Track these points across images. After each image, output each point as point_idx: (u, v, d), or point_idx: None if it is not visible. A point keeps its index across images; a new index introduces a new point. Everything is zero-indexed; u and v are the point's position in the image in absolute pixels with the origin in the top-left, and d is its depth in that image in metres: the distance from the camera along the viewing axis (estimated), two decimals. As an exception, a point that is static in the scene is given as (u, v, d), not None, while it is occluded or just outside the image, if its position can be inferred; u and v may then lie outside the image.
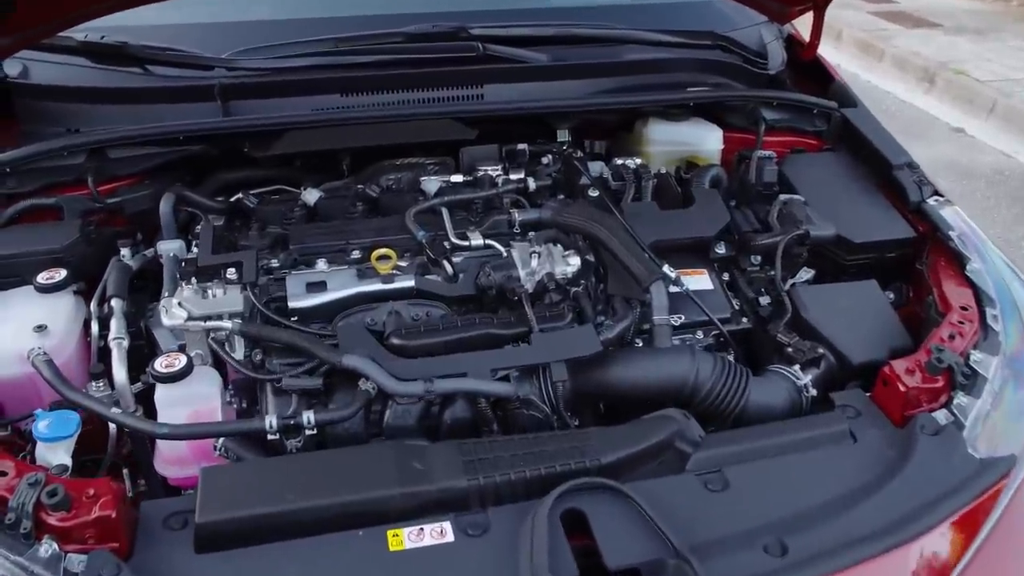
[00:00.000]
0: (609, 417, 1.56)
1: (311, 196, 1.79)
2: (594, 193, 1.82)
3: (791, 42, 2.34)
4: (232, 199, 1.78)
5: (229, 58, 1.91)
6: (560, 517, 1.19)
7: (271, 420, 1.33)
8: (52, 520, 1.13)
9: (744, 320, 1.69)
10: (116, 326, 1.48)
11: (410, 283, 1.55)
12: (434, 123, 1.86)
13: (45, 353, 1.42)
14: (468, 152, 1.93)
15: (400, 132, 1.85)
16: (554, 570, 1.10)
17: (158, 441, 1.40)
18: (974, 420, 1.38)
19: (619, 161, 1.98)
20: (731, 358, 1.61)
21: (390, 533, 1.18)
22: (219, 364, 1.49)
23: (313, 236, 1.64)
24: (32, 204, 1.69)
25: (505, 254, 1.61)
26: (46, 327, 1.46)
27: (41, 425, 1.27)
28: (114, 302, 1.51)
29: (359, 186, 1.83)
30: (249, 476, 1.27)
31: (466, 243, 1.63)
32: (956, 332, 1.52)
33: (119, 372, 1.43)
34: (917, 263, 1.80)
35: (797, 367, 1.53)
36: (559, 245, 1.65)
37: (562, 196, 1.91)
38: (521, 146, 1.96)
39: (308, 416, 1.34)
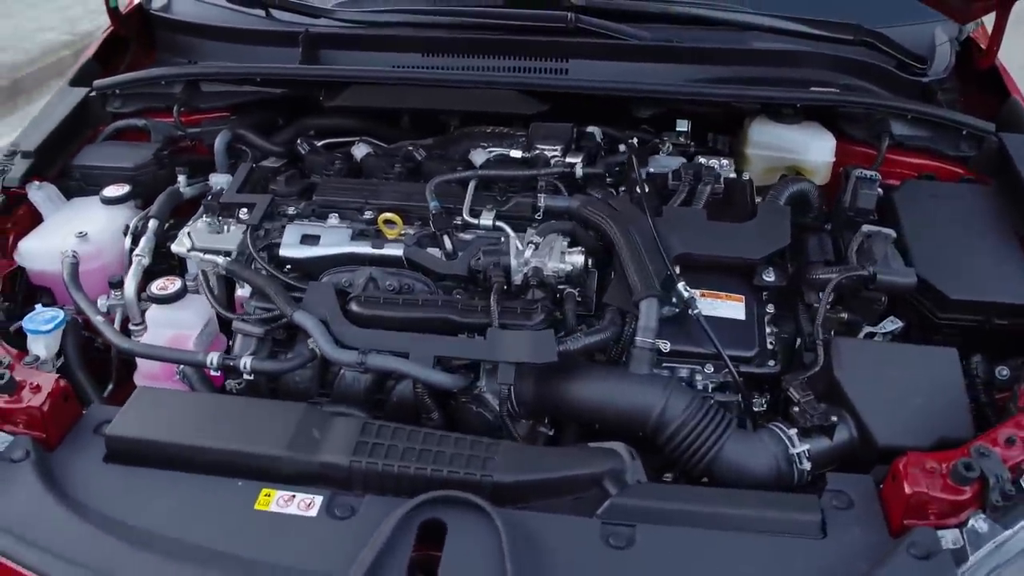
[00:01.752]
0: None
1: (360, 151, 1.80)
2: (646, 189, 1.62)
3: (970, 47, 1.91)
4: (289, 144, 1.83)
5: (333, 8, 1.97)
6: (421, 524, 1.11)
7: (213, 357, 1.37)
8: (-3, 401, 1.26)
9: (771, 363, 1.43)
10: (143, 244, 1.60)
11: (399, 252, 1.51)
12: (505, 94, 1.77)
13: (75, 255, 1.58)
14: (536, 128, 1.82)
15: (467, 99, 1.79)
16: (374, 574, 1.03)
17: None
18: (986, 556, 1.06)
19: (703, 160, 1.76)
20: (726, 401, 1.39)
21: (264, 492, 1.19)
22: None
23: (337, 190, 1.64)
24: (126, 124, 1.88)
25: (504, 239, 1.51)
26: (86, 234, 1.62)
27: (27, 318, 1.41)
28: (151, 222, 1.63)
29: (409, 146, 1.80)
30: (173, 405, 1.33)
31: (475, 221, 1.54)
32: (1021, 437, 1.17)
33: (129, 285, 1.55)
34: None
35: (795, 431, 1.27)
36: (566, 240, 1.51)
37: (623, 189, 1.74)
38: (591, 129, 1.81)
39: (245, 361, 1.37)
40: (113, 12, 1.98)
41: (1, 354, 1.35)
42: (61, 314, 1.43)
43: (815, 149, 1.76)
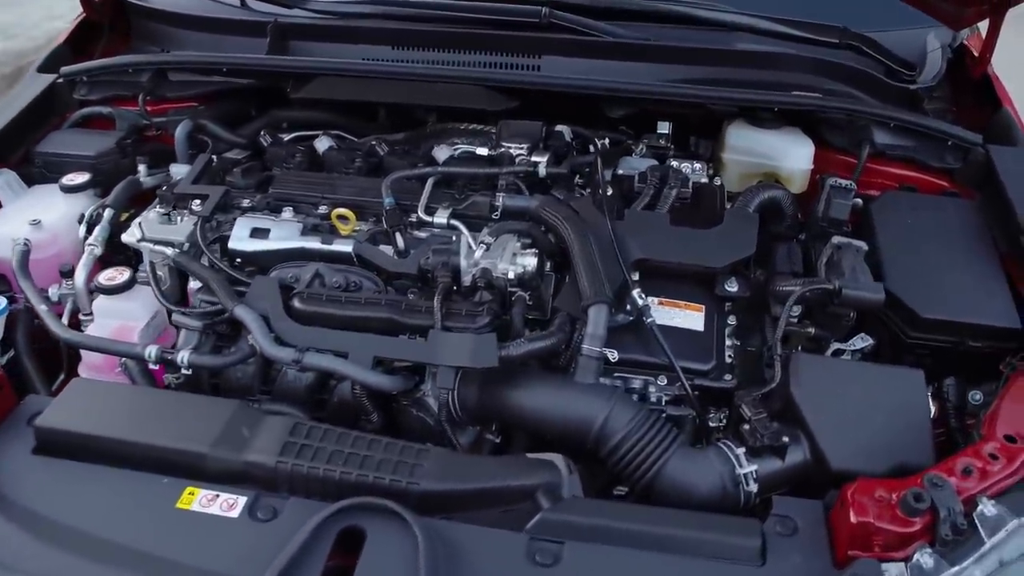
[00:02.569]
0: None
1: (322, 144, 1.76)
2: (608, 192, 1.57)
3: (963, 54, 1.84)
4: (254, 136, 1.79)
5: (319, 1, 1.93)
6: (340, 531, 1.06)
7: (151, 350, 1.34)
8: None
9: (728, 377, 1.37)
10: (96, 233, 1.57)
11: (349, 248, 1.46)
12: (474, 89, 1.72)
13: (27, 243, 1.55)
14: (504, 125, 1.76)
15: (434, 94, 1.74)
16: None
17: (82, 346, 1.47)
18: (932, 595, 1.00)
19: (675, 163, 1.70)
20: (679, 416, 1.33)
21: (188, 490, 1.16)
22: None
23: (294, 184, 1.60)
24: (92, 111, 1.85)
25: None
26: (40, 222, 1.59)
27: (-31, 305, 1.39)
28: (106, 211, 1.60)
29: (372, 141, 1.75)
30: (107, 398, 1.29)
31: (429, 219, 1.50)
32: (978, 467, 1.10)
33: (79, 274, 1.52)
34: (1002, 364, 1.34)
35: (743, 451, 1.21)
36: (520, 241, 1.46)
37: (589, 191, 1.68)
38: (561, 128, 1.76)
39: (183, 355, 1.33)
40: (86, -2, 1.96)
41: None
42: (4, 303, 1.40)
43: (792, 156, 1.70)
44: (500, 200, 1.52)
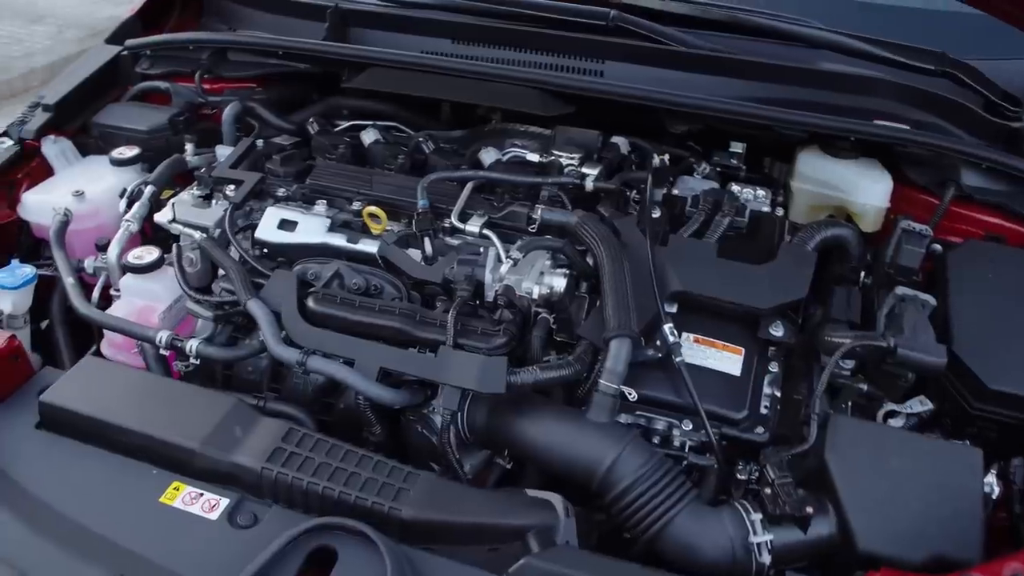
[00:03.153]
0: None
1: (368, 137, 1.71)
2: (655, 213, 1.46)
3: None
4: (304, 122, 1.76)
5: (373, -15, 1.89)
6: (313, 549, 1.02)
7: (162, 335, 1.32)
8: (-57, 353, 1.25)
9: (760, 430, 1.25)
10: (134, 209, 1.56)
11: (373, 249, 1.41)
12: (528, 91, 1.64)
13: (67, 213, 1.57)
14: (561, 131, 1.68)
15: (487, 93, 1.66)
16: None
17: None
18: None
19: (736, 188, 1.58)
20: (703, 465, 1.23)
21: (173, 485, 1.14)
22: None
23: (332, 176, 1.56)
24: (150, 86, 1.86)
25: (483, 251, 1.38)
26: (83, 193, 1.61)
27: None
28: (147, 188, 1.60)
29: (420, 138, 1.69)
30: (113, 380, 1.28)
31: (461, 227, 1.43)
32: None
33: (112, 250, 1.52)
34: None
35: (759, 517, 1.10)
36: (551, 259, 1.37)
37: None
38: (617, 139, 1.65)
39: (192, 344, 1.31)
40: (159, -30, 1.97)
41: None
42: (32, 272, 1.41)
43: (866, 190, 1.54)
44: (539, 212, 1.44)
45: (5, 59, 5.33)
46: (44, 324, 1.57)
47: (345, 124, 1.81)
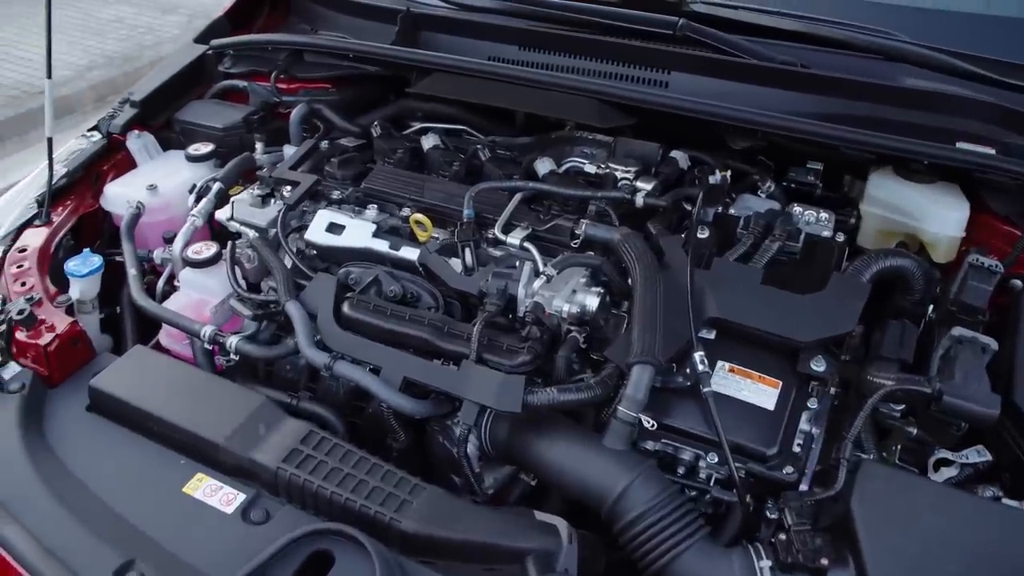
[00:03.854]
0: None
1: (427, 142, 1.72)
2: (702, 234, 1.41)
3: None
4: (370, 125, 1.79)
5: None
6: (311, 553, 1.04)
7: (206, 330, 1.38)
8: (18, 334, 1.36)
9: (789, 470, 1.19)
10: (201, 205, 1.64)
11: (414, 256, 1.42)
12: (588, 101, 1.61)
13: (139, 206, 1.66)
14: (621, 143, 1.64)
15: (542, 102, 1.64)
16: None
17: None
18: None
19: (797, 209, 1.50)
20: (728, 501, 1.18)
21: (198, 476, 1.19)
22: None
23: (386, 180, 1.58)
24: (230, 84, 1.94)
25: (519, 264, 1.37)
26: (156, 187, 1.70)
27: (71, 259, 1.50)
28: (215, 185, 1.67)
29: (477, 145, 1.69)
30: (157, 370, 1.35)
31: (503, 238, 1.42)
32: None
33: (177, 243, 1.60)
34: None
35: (769, 564, 1.04)
36: (586, 277, 1.34)
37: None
38: (676, 154, 1.60)
39: (232, 341, 1.36)
40: (247, -27, 2.05)
41: (37, 290, 1.45)
42: (99, 262, 1.50)
43: (939, 218, 1.43)
44: (582, 227, 1.41)
45: (137, 47, 5.71)
46: (118, 309, 1.67)
47: (415, 127, 1.83)
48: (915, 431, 1.24)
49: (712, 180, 1.56)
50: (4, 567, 1.06)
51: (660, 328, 1.20)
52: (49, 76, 1.54)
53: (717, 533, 1.17)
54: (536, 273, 1.34)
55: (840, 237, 1.45)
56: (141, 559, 1.05)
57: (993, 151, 1.43)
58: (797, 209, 1.50)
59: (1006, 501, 1.16)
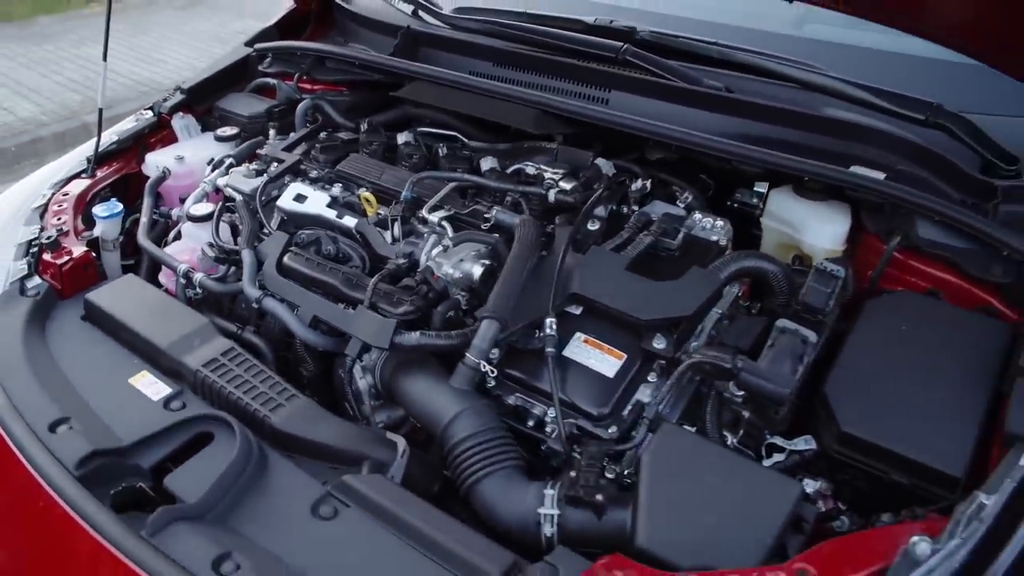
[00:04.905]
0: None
1: (401, 138, 1.99)
2: (593, 226, 1.59)
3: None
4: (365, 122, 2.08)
5: (451, 15, 2.18)
6: (199, 432, 1.32)
7: (181, 267, 1.70)
8: (45, 255, 1.72)
9: (613, 429, 1.35)
10: (213, 175, 1.98)
11: (352, 225, 1.69)
12: (529, 111, 1.83)
13: (166, 171, 2.02)
14: (561, 150, 1.85)
15: (492, 109, 1.87)
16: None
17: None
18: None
19: (698, 216, 1.66)
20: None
21: (142, 373, 1.48)
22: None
23: (355, 166, 1.86)
24: (263, 82, 2.30)
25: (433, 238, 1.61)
26: (183, 158, 2.06)
27: (97, 204, 1.86)
28: (228, 160, 2.01)
29: (439, 144, 1.95)
30: (139, 293, 1.67)
31: (427, 217, 1.66)
32: None
33: (188, 202, 1.94)
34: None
35: (553, 492, 1.22)
36: (476, 251, 1.56)
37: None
38: (601, 162, 1.79)
39: (198, 276, 1.67)
40: (296, -8, 2.42)
41: (67, 225, 1.81)
42: (119, 208, 1.86)
43: (816, 232, 1.55)
44: (494, 212, 1.64)
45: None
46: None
47: (423, 130, 2.09)
48: (747, 415, 1.37)
49: (634, 187, 1.75)
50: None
51: (515, 294, 1.40)
52: (104, 59, 1.92)
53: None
54: (434, 244, 1.57)
55: (723, 241, 1.59)
56: (75, 418, 1.35)
57: (883, 175, 1.54)
58: (697, 216, 1.66)
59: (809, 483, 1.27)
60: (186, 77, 2.30)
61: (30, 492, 1.25)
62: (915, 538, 0.99)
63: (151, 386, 1.45)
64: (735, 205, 1.76)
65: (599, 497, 1.19)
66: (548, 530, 1.20)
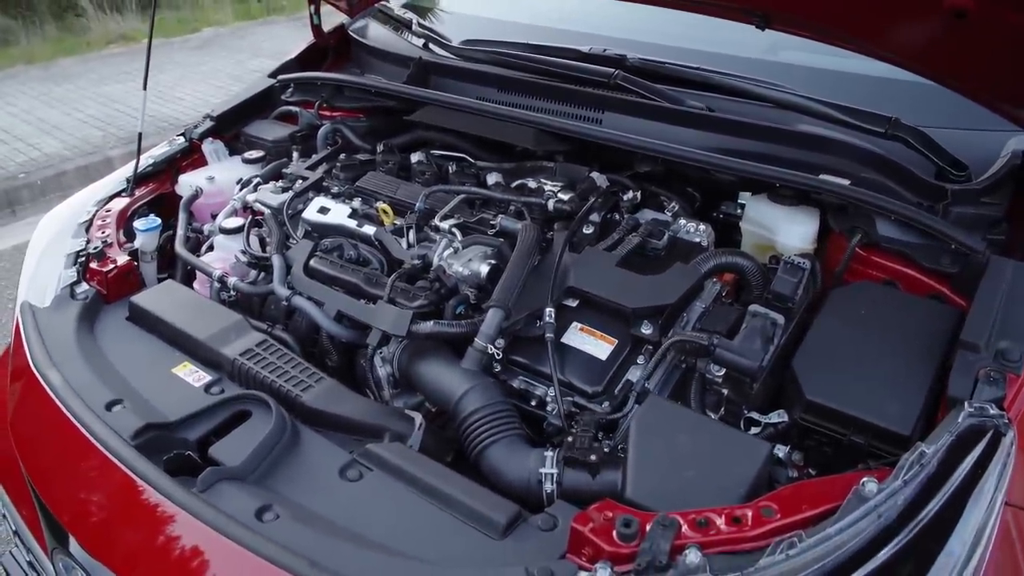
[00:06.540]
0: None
1: (415, 158, 2.19)
2: (587, 230, 1.78)
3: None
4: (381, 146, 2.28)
5: (459, 47, 2.39)
6: (238, 410, 1.48)
7: (216, 272, 1.88)
8: (92, 264, 1.91)
9: (605, 405, 1.51)
10: (241, 193, 2.18)
11: (371, 232, 1.87)
12: (528, 130, 2.02)
13: (199, 190, 2.22)
14: (560, 167, 2.04)
15: (494, 128, 2.07)
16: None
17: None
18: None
19: (682, 221, 1.84)
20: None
21: (183, 363, 1.65)
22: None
23: (373, 182, 2.06)
24: (286, 109, 2.50)
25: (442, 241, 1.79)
26: (214, 178, 2.25)
27: (138, 219, 2.05)
28: (255, 179, 2.21)
29: (450, 164, 2.14)
30: (178, 297, 1.85)
31: (439, 225, 1.84)
32: (715, 523, 1.16)
33: (219, 217, 2.13)
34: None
35: (552, 454, 1.38)
36: (483, 252, 1.73)
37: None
38: (595, 175, 1.98)
39: (232, 280, 1.85)
40: (316, 28, 2.63)
41: (111, 238, 2.00)
42: (157, 223, 2.05)
43: (788, 232, 1.73)
44: (499, 220, 1.82)
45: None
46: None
47: (439, 152, 2.28)
48: (726, 392, 1.53)
49: (626, 197, 1.93)
50: (41, 392, 1.56)
51: (518, 287, 1.58)
52: (144, 88, 2.13)
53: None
54: (447, 247, 1.75)
55: (705, 243, 1.77)
56: (127, 400, 1.52)
57: (848, 182, 1.72)
58: (682, 221, 1.84)
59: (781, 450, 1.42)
60: (202, 114, 2.49)
61: (90, 458, 1.42)
62: (864, 479, 1.15)
63: (192, 374, 1.63)
64: (720, 216, 1.94)
65: (592, 457, 1.35)
66: (548, 487, 1.36)
